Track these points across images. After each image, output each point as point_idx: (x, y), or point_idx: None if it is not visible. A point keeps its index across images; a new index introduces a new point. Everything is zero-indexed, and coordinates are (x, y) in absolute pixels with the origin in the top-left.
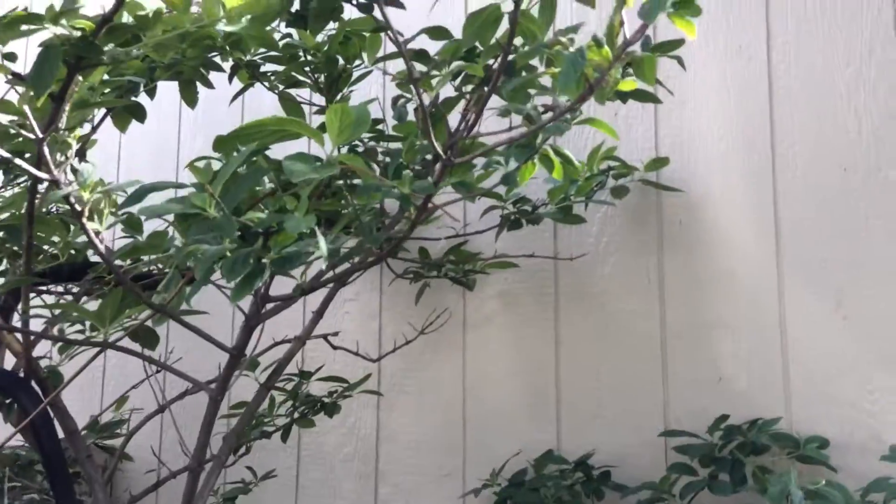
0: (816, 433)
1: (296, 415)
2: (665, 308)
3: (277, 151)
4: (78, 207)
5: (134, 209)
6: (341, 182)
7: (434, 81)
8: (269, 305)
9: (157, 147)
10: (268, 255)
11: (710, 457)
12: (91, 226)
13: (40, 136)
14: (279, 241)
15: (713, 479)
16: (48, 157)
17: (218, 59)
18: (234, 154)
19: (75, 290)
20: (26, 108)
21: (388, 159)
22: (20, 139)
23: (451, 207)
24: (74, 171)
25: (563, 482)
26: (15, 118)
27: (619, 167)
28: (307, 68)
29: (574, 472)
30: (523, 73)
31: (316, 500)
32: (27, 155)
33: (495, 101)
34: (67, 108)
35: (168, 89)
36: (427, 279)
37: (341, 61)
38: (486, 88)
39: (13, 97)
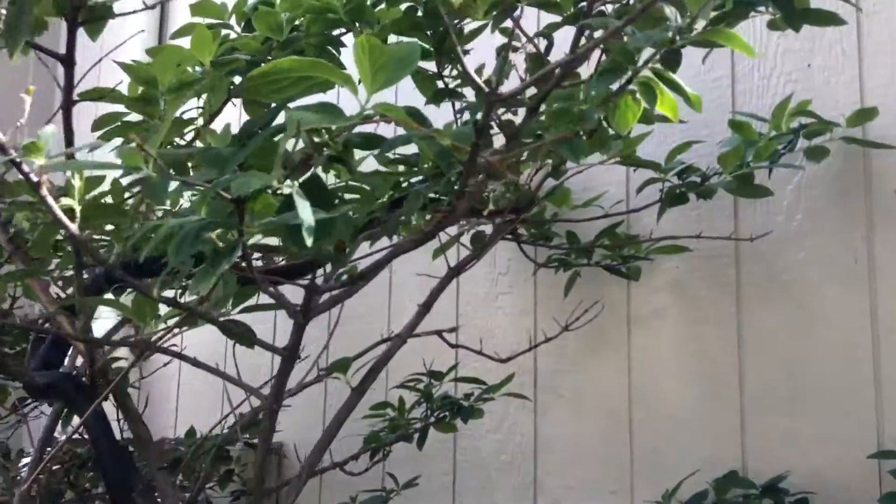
0: None
1: (431, 419)
2: (877, 298)
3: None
4: (34, 177)
5: None
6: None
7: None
8: (325, 297)
9: None
10: (247, 229)
11: None
12: (66, 202)
13: None
14: (256, 211)
15: None
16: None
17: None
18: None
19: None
20: None
21: None
22: None
23: (610, 182)
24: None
25: None
26: None
27: (815, 124)
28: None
29: (762, 498)
30: None
31: None
32: None
33: None
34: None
35: None
36: (576, 268)
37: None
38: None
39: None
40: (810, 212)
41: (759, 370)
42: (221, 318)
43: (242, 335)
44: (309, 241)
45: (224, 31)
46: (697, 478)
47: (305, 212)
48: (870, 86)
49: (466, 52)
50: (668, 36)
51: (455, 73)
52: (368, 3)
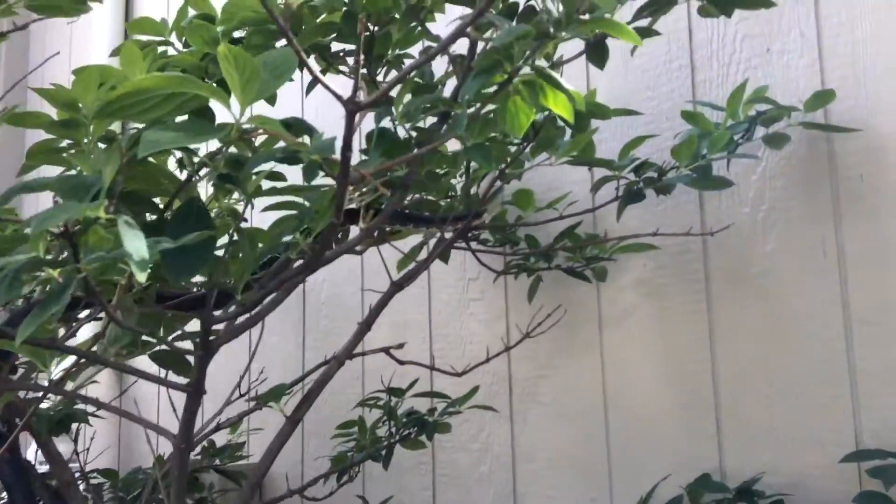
0: None
1: (396, 437)
2: (847, 288)
3: None
4: None
5: None
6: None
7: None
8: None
9: None
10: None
11: None
12: None
13: None
14: (90, 245)
15: None
16: None
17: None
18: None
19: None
20: None
21: None
22: None
23: (575, 181)
24: None
25: None
26: None
27: (772, 110)
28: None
29: (737, 502)
30: None
31: None
32: None
33: None
34: None
35: None
36: (537, 272)
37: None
38: None
39: None
40: (776, 202)
41: (733, 368)
42: (162, 346)
43: (177, 364)
44: (141, 276)
45: (164, 48)
46: (675, 480)
47: (134, 243)
48: (830, 67)
49: (402, 58)
50: (530, 28)
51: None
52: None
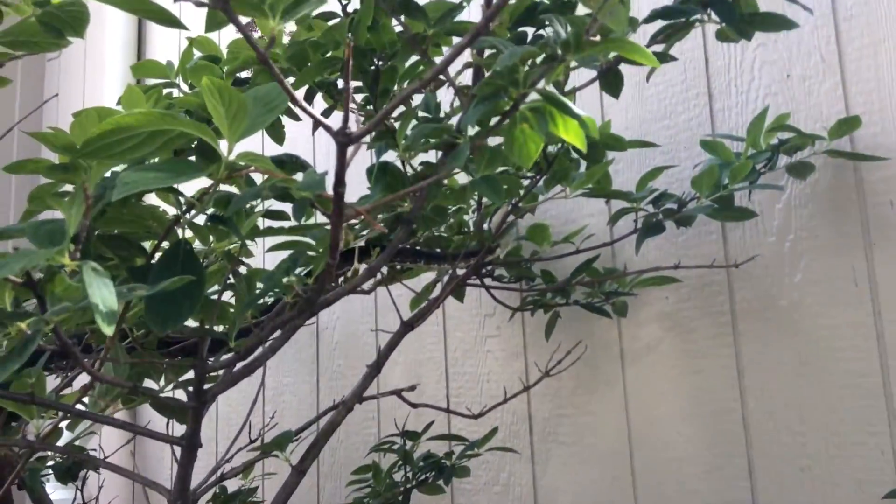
0: None
1: (413, 482)
2: (882, 320)
3: None
4: None
5: None
6: None
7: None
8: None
9: None
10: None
11: None
12: None
13: None
14: (57, 295)
15: None
16: None
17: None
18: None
19: None
20: None
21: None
22: None
23: (591, 214)
24: None
25: None
26: None
27: (795, 138)
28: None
29: None
30: None
31: None
32: None
33: None
34: None
35: None
36: (555, 308)
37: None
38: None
39: None
40: (803, 231)
41: (763, 404)
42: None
43: (178, 413)
44: (107, 329)
45: (169, 90)
46: None
47: (100, 292)
48: (854, 92)
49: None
50: (535, 49)
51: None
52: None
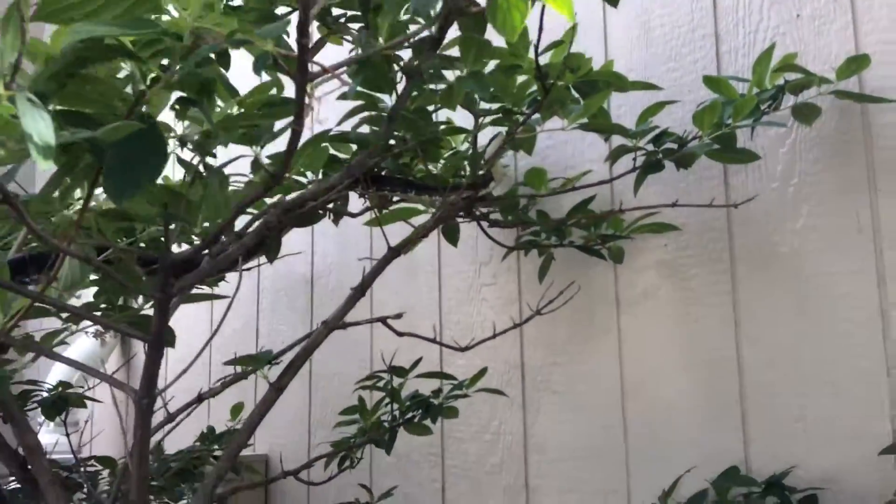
0: None
1: (399, 421)
2: (884, 267)
3: None
4: None
5: None
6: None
7: None
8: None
9: None
10: None
11: None
12: None
13: None
14: None
15: None
16: None
17: None
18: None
19: None
20: None
21: None
22: None
23: (593, 160)
24: None
25: None
26: None
27: (801, 79)
28: None
29: (766, 496)
30: None
31: None
32: None
33: None
34: None
35: None
36: (548, 248)
37: None
38: None
39: None
40: (807, 176)
41: (759, 353)
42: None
43: (142, 322)
44: (43, 164)
45: None
46: (698, 473)
47: (35, 125)
48: (865, 32)
49: None
50: None
51: None
52: None
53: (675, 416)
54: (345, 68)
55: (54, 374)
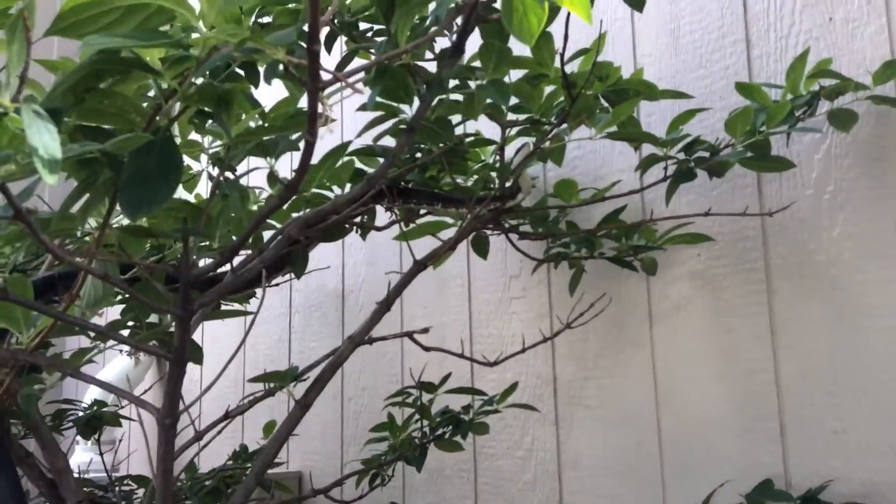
0: None
1: (430, 437)
2: None
3: None
4: None
5: None
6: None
7: None
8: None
9: None
10: None
11: None
12: None
13: None
14: (2, 147)
15: None
16: None
17: None
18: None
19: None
20: None
21: None
22: None
23: (623, 169)
24: None
25: None
26: None
27: (836, 85)
28: None
29: None
30: None
31: None
32: None
33: None
34: None
35: None
36: (578, 259)
37: None
38: None
39: None
40: (843, 182)
41: (796, 365)
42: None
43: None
44: (50, 179)
45: None
46: (736, 488)
47: (40, 137)
48: None
49: None
50: None
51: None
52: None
53: (710, 429)
54: (360, 75)
55: (91, 392)
